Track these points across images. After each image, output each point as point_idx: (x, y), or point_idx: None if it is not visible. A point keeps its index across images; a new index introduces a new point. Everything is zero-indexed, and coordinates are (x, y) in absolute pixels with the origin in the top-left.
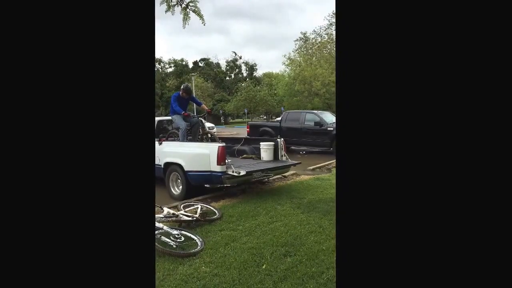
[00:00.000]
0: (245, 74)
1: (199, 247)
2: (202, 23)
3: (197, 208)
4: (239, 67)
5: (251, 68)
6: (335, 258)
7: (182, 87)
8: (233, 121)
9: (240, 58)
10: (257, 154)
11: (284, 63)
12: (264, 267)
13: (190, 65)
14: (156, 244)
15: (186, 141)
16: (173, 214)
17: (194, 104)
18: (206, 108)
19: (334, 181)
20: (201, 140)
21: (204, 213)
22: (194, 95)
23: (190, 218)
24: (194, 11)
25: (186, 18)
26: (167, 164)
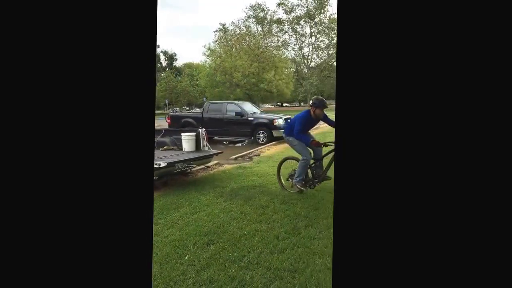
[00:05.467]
0: (164, 64)
1: None
2: None
3: None
4: (157, 56)
5: (171, 57)
6: (256, 241)
7: (314, 102)
8: None
9: (158, 47)
10: (178, 145)
11: (205, 54)
12: (186, 258)
13: None
14: None
15: None
16: None
17: None
18: None
19: (255, 169)
20: None
21: None
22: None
23: None
24: None
25: None
26: None
